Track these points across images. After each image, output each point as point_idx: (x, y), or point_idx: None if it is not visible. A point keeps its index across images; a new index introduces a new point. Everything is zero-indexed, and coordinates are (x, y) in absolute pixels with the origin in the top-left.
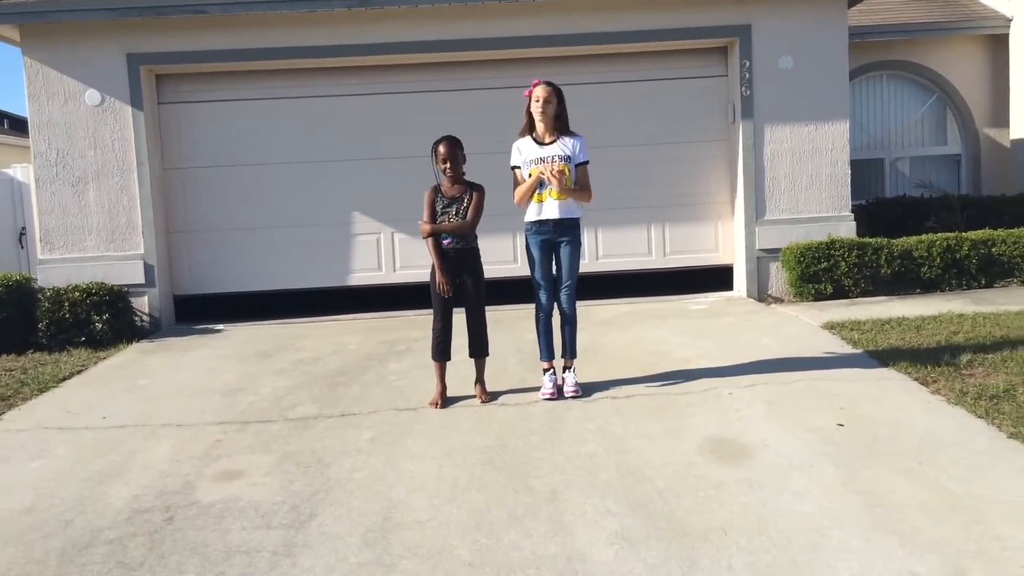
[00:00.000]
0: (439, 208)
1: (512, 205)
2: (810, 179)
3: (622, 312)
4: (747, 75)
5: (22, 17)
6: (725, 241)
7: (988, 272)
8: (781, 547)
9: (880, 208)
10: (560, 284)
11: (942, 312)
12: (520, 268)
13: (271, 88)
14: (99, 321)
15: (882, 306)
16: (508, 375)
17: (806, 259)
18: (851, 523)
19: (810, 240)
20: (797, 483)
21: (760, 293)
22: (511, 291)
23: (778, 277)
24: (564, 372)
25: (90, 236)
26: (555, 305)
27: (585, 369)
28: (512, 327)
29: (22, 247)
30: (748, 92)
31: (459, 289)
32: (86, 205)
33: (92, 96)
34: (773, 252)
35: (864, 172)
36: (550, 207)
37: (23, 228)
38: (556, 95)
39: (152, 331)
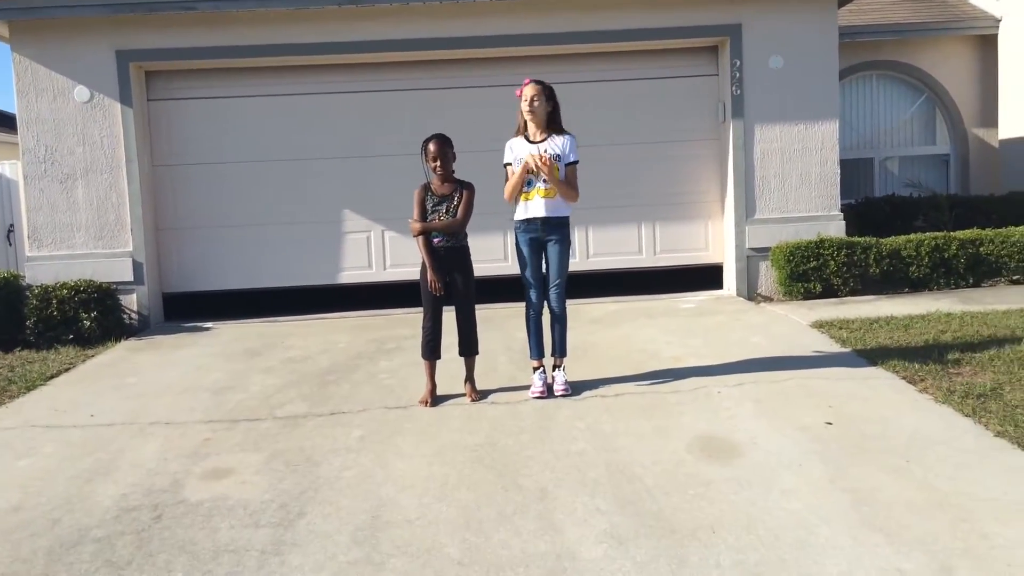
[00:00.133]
0: (429, 206)
1: (503, 203)
2: (800, 178)
3: (612, 311)
4: (738, 74)
5: (11, 13)
6: (715, 240)
7: (976, 271)
8: (769, 545)
9: (869, 207)
10: (549, 283)
11: (930, 311)
12: (510, 266)
13: (261, 85)
14: (87, 319)
15: (871, 305)
16: (498, 373)
17: (795, 258)
18: (839, 521)
19: (799, 239)
20: (786, 481)
21: (750, 292)
22: (501, 289)
23: (767, 276)
24: (554, 371)
25: (79, 233)
26: (545, 303)
27: (575, 368)
28: (502, 325)
29: (10, 244)
30: (739, 91)
31: (449, 287)
32: (75, 202)
33: (81, 92)
34: (763, 251)
35: (853, 171)
36: (537, 205)
37: (11, 225)
38: (545, 94)
39: (141, 329)
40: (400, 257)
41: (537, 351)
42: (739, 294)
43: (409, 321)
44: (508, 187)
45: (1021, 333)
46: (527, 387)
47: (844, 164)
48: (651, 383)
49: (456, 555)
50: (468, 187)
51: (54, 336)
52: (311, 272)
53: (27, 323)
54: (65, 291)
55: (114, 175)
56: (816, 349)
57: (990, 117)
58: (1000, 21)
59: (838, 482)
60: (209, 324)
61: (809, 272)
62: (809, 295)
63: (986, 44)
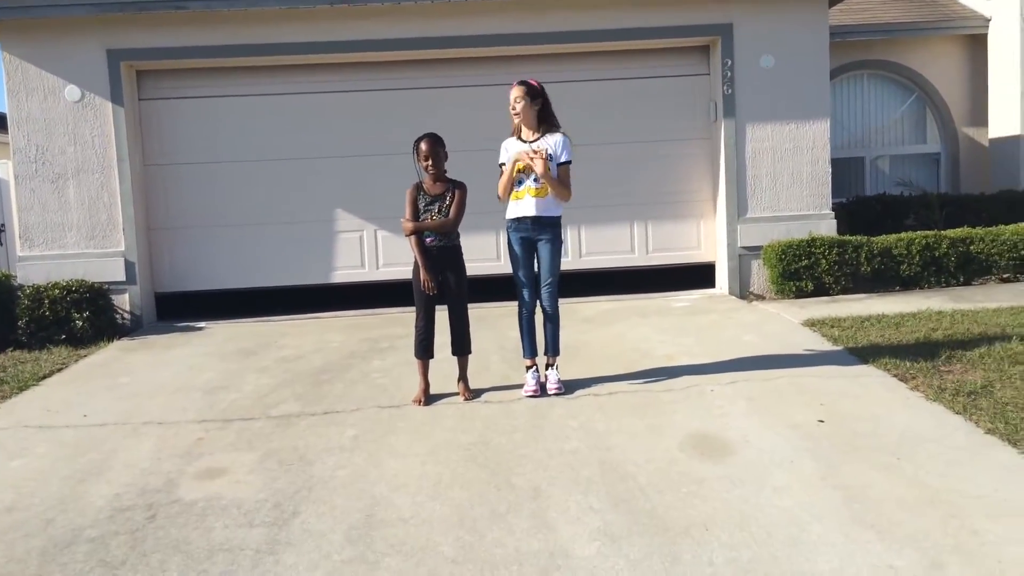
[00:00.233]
0: (421, 206)
1: (496, 203)
2: (791, 177)
3: (605, 309)
4: (729, 74)
5: (1, 12)
6: (707, 239)
7: (966, 270)
8: (762, 542)
9: (860, 206)
10: (541, 282)
11: (921, 309)
12: (503, 266)
13: (253, 85)
14: (80, 319)
15: (862, 303)
16: (491, 372)
17: (787, 257)
18: (831, 518)
19: (791, 238)
20: (778, 479)
21: (742, 290)
22: (494, 289)
23: (760, 275)
24: (547, 369)
25: (70, 233)
26: (537, 302)
27: (568, 366)
28: (495, 325)
29: (1, 244)
30: (730, 91)
31: (442, 287)
32: (66, 202)
33: (72, 92)
34: (755, 250)
35: (845, 170)
36: (527, 204)
37: (2, 225)
38: (529, 94)
39: (133, 329)
40: (393, 256)
41: (530, 350)
42: (731, 293)
43: (402, 320)
44: (500, 185)
45: (1011, 331)
46: (520, 386)
47: (835, 163)
48: (644, 382)
49: (450, 553)
50: (460, 187)
51: (46, 336)
52: (304, 271)
53: (19, 323)
54: (57, 291)
55: (105, 175)
56: (808, 347)
57: (980, 116)
58: (990, 21)
59: (830, 479)
60: (202, 324)
61: (801, 271)
62: (801, 293)
63: (976, 44)
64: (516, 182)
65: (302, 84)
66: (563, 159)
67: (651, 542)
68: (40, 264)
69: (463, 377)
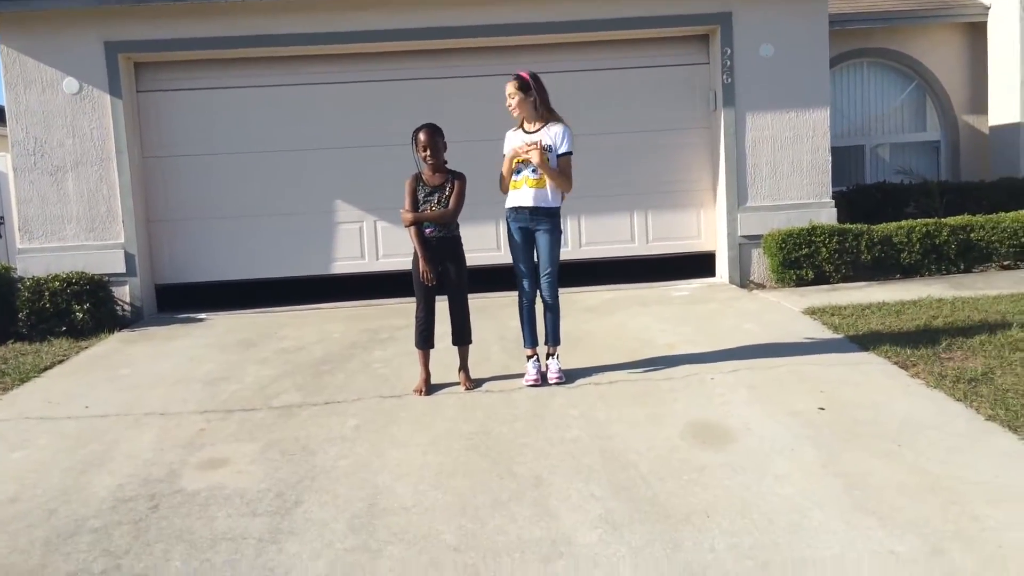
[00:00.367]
0: (421, 196)
1: (496, 193)
2: (791, 166)
3: (605, 299)
4: (728, 63)
5: None
6: (707, 228)
7: (967, 257)
8: (763, 529)
9: (860, 194)
10: (540, 272)
11: (921, 297)
12: (503, 256)
13: (252, 76)
14: (80, 311)
15: (862, 291)
16: (492, 362)
17: (787, 245)
18: (832, 505)
19: (791, 227)
20: (779, 466)
21: (742, 279)
22: (494, 279)
23: (760, 263)
24: (547, 359)
25: (70, 225)
26: (538, 292)
27: (568, 356)
28: (495, 315)
29: (1, 237)
30: (729, 80)
31: (442, 277)
32: (65, 194)
33: (70, 84)
34: (755, 239)
35: (845, 159)
36: (524, 194)
37: (1, 218)
38: (522, 89)
39: (134, 320)
40: (393, 247)
41: (531, 340)
42: (732, 282)
43: (402, 311)
44: (501, 176)
45: (1012, 318)
46: (521, 375)
47: (835, 151)
48: (645, 370)
49: (452, 541)
50: (460, 177)
51: (47, 328)
52: (304, 263)
53: (19, 315)
54: (57, 283)
55: (104, 167)
56: (808, 335)
57: (980, 104)
58: (989, 8)
59: (831, 467)
60: (202, 315)
61: (801, 259)
62: (801, 282)
63: (976, 31)
64: (514, 171)
65: (301, 75)
66: (563, 150)
67: (653, 529)
68: (40, 256)
69: (464, 367)
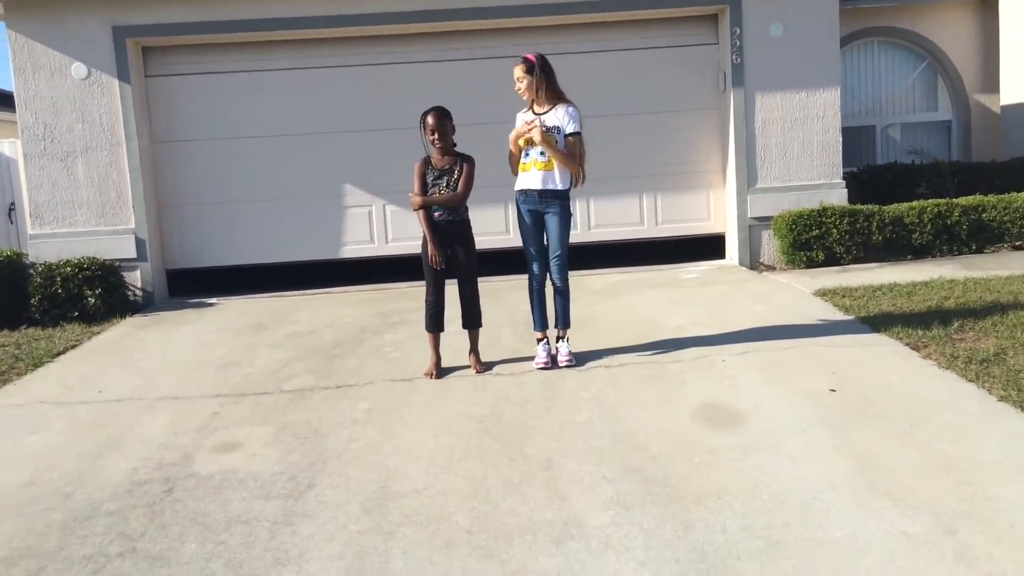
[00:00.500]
0: (430, 180)
1: (505, 176)
2: (801, 147)
3: (615, 281)
4: (738, 43)
5: None
6: (717, 210)
7: (978, 238)
8: (775, 510)
9: (871, 175)
10: (550, 255)
11: (933, 278)
12: (513, 239)
13: (260, 60)
14: (92, 296)
15: (873, 272)
16: (502, 345)
17: (798, 227)
18: (844, 486)
19: (801, 208)
20: (790, 447)
21: (752, 261)
22: (505, 262)
23: (770, 245)
24: (557, 342)
25: (80, 211)
26: (548, 275)
27: (578, 338)
28: (505, 298)
29: (11, 222)
30: (739, 60)
31: (451, 261)
32: (75, 180)
33: (78, 69)
34: (765, 220)
35: (855, 139)
36: (533, 177)
37: (12, 203)
38: (529, 71)
39: (145, 305)
40: (402, 231)
41: (540, 323)
42: (741, 264)
43: (412, 294)
44: (510, 154)
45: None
46: (531, 358)
47: (846, 132)
48: (655, 353)
49: (465, 523)
50: (468, 160)
51: (59, 313)
52: (314, 247)
53: (32, 301)
54: (69, 268)
55: (114, 152)
56: (819, 317)
57: (992, 83)
58: None
59: (842, 448)
60: (213, 300)
61: (811, 240)
62: (812, 264)
63: (987, 9)
64: (523, 153)
65: (309, 59)
66: (569, 130)
67: (664, 511)
68: (51, 242)
69: (474, 350)
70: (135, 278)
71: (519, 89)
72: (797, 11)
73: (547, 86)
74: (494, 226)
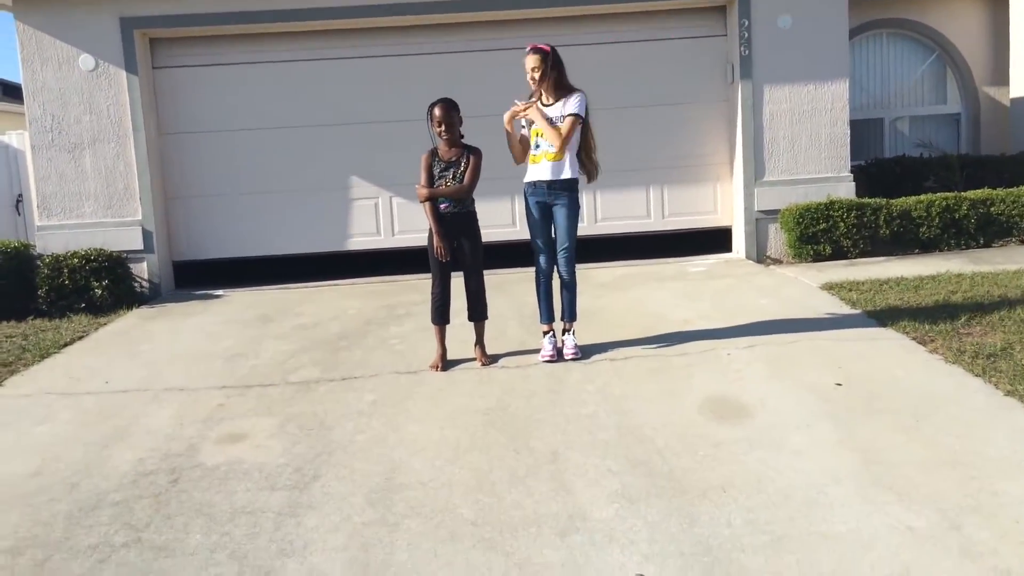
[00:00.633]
0: (436, 172)
1: (511, 168)
2: (809, 140)
3: (621, 274)
4: (746, 35)
5: None
6: (724, 203)
7: (987, 232)
8: (780, 504)
9: (879, 168)
10: (558, 247)
11: (940, 272)
12: (519, 232)
13: (267, 52)
14: (99, 287)
15: (880, 266)
16: (508, 338)
17: (805, 220)
18: (849, 480)
19: (809, 201)
20: (795, 441)
21: (759, 255)
22: (512, 255)
23: (777, 238)
24: (563, 335)
25: (88, 202)
26: (554, 268)
27: (585, 331)
28: (511, 290)
29: (19, 214)
30: (747, 52)
31: (457, 253)
32: (83, 171)
33: (86, 61)
34: (772, 213)
35: (863, 132)
36: (543, 168)
37: (19, 195)
38: (543, 60)
39: (152, 297)
40: (408, 223)
41: (547, 315)
42: (748, 257)
43: (418, 287)
44: (507, 136)
45: None
46: (537, 351)
47: (854, 125)
48: (661, 346)
49: (470, 516)
50: (475, 152)
51: (66, 305)
52: (320, 239)
53: (39, 292)
54: (76, 260)
55: (121, 144)
56: (826, 311)
57: (1001, 75)
58: None
59: (848, 442)
60: (220, 292)
61: (819, 234)
62: (819, 257)
63: (997, 1)
64: (533, 146)
65: (317, 51)
66: (568, 111)
67: (669, 504)
68: (58, 233)
69: (480, 342)
70: (142, 270)
71: (532, 79)
72: (806, 3)
73: (556, 79)
74: (501, 218)
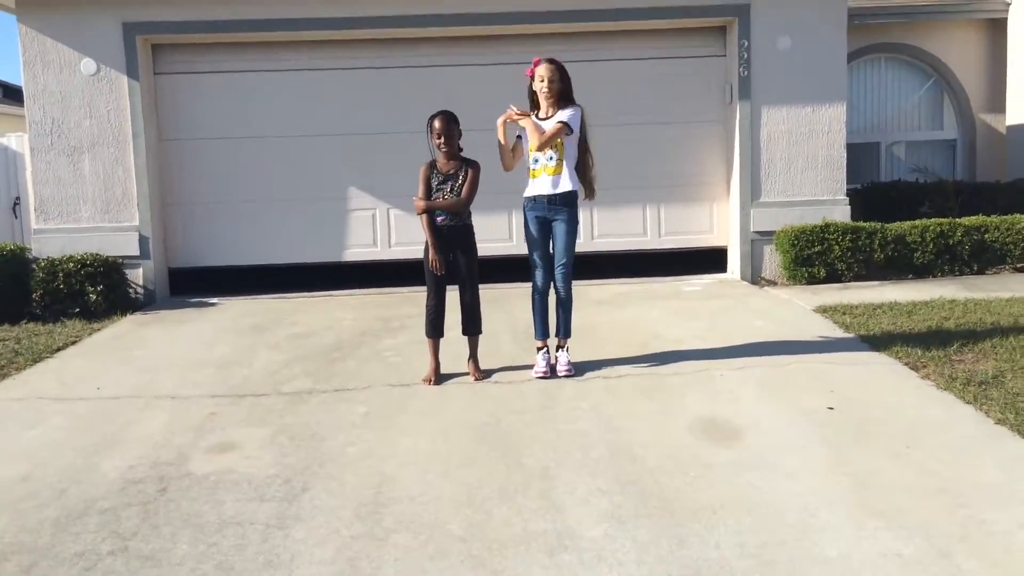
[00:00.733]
0: (434, 184)
1: (508, 182)
2: (806, 162)
3: (616, 292)
4: (745, 56)
5: None
6: (720, 223)
7: (980, 258)
8: (770, 527)
9: (875, 192)
10: (555, 263)
11: (934, 298)
12: (515, 246)
13: (269, 60)
14: (93, 292)
15: (874, 290)
16: (501, 353)
17: (800, 242)
18: (839, 504)
19: (804, 223)
20: (787, 464)
21: (754, 276)
22: (508, 270)
23: (772, 260)
24: (557, 351)
25: (85, 207)
26: (551, 284)
27: (579, 348)
28: (506, 305)
29: (16, 217)
30: (746, 73)
31: (452, 266)
32: (81, 175)
33: (88, 65)
34: (767, 235)
35: (860, 156)
36: (543, 182)
37: (17, 198)
38: (559, 72)
39: (146, 303)
40: (405, 235)
41: (541, 331)
42: (743, 278)
43: (414, 299)
44: (499, 146)
45: None
46: (530, 367)
47: (850, 148)
48: (654, 365)
49: (458, 532)
50: (474, 165)
51: (60, 309)
52: (317, 249)
53: (33, 296)
54: (72, 264)
55: (121, 149)
56: (819, 334)
57: (998, 102)
58: (1010, 5)
59: (839, 466)
60: (215, 299)
61: (813, 256)
62: (813, 280)
63: (996, 28)
64: (532, 160)
65: (317, 61)
66: (557, 119)
67: (658, 525)
68: (55, 237)
69: (473, 357)
70: (137, 276)
71: (548, 88)
72: (806, 25)
73: (561, 91)
74: (498, 233)
